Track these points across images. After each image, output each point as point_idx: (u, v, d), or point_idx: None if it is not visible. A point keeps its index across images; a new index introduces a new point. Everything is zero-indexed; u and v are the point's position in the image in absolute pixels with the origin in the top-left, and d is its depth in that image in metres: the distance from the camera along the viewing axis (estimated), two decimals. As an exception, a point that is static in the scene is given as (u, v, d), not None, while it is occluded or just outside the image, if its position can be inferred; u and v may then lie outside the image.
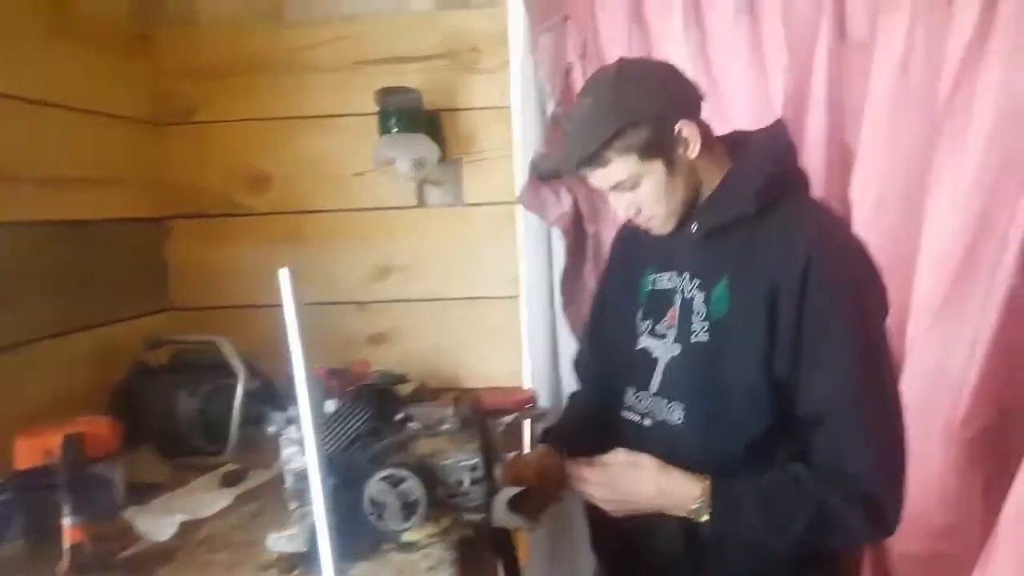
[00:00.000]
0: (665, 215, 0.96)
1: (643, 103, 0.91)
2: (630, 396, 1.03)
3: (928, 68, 1.36)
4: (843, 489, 0.87)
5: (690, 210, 0.96)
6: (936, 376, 1.45)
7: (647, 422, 1.00)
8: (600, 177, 0.94)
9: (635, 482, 0.91)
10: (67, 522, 0.79)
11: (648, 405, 1.00)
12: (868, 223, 1.38)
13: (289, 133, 1.52)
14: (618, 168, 0.92)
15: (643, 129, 0.90)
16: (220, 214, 1.55)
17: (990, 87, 1.36)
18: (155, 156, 1.54)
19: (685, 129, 0.92)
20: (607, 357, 1.12)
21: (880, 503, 0.88)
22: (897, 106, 1.38)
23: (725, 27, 1.40)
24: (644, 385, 1.01)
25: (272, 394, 1.31)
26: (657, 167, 0.92)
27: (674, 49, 1.41)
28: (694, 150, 0.92)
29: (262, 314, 1.50)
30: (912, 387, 1.41)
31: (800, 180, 1.01)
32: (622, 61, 0.95)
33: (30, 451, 0.88)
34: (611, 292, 1.14)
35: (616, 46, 1.43)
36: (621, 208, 0.97)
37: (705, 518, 0.89)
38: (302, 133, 1.52)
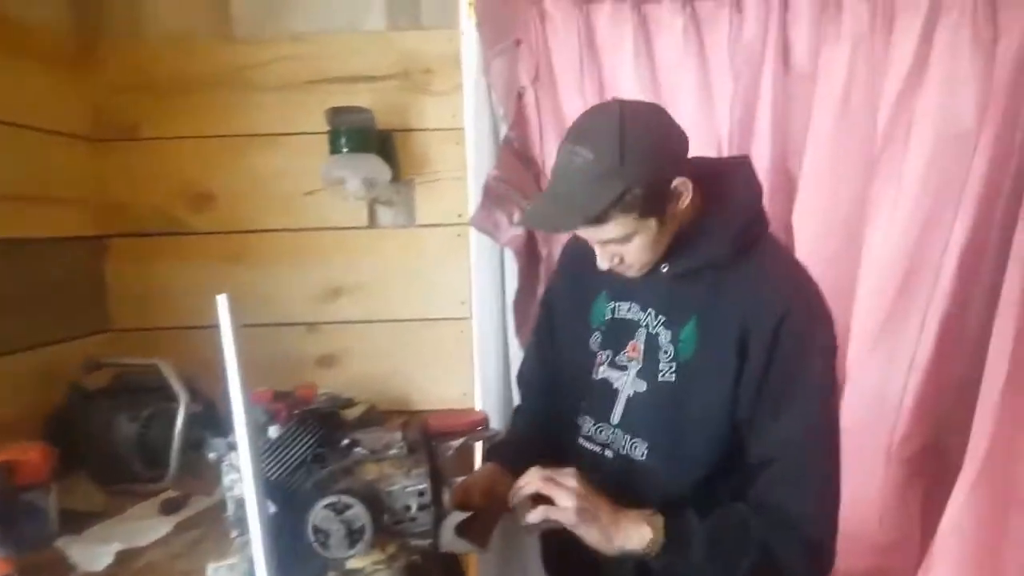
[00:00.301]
0: (645, 265, 0.96)
1: (647, 167, 0.88)
2: (588, 425, 1.03)
3: (868, 98, 1.42)
4: (788, 534, 0.90)
5: (666, 253, 0.96)
6: (875, 398, 1.50)
7: (607, 453, 1.00)
8: (594, 232, 0.93)
9: (599, 502, 0.90)
10: None
11: (609, 437, 1.00)
12: (810, 249, 1.42)
13: (236, 151, 1.49)
14: (616, 227, 0.91)
15: (643, 190, 0.88)
16: (161, 233, 1.51)
17: (927, 115, 1.43)
18: (96, 173, 1.49)
19: (680, 185, 0.91)
20: (557, 375, 1.11)
21: (821, 547, 0.92)
22: (838, 135, 1.44)
23: (674, 55, 1.44)
24: (604, 416, 1.00)
25: (214, 417, 1.28)
26: (651, 225, 0.92)
27: (624, 75, 1.45)
28: (685, 201, 0.92)
29: (205, 335, 1.47)
30: (852, 408, 1.45)
31: (766, 219, 1.02)
32: (622, 110, 0.90)
33: None
34: (560, 307, 1.13)
35: (568, 72, 1.46)
36: (604, 259, 0.96)
37: (654, 554, 0.89)
38: (249, 151, 1.50)
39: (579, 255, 1.11)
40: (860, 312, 1.50)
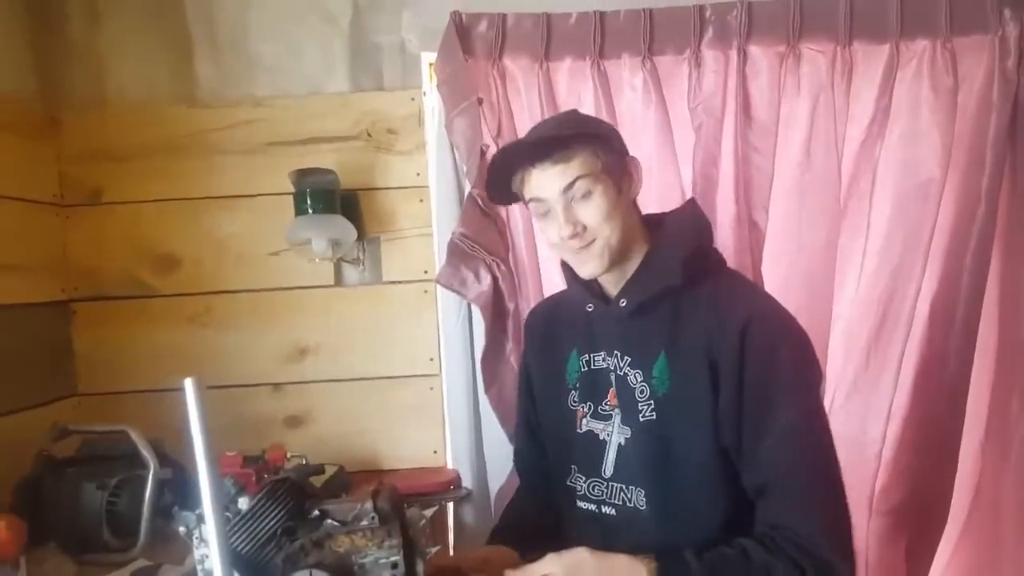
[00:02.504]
0: (603, 245, 0.97)
1: (608, 129, 1.04)
2: (581, 484, 1.04)
3: (831, 149, 1.48)
4: (792, 558, 0.88)
5: (617, 263, 1.00)
6: (854, 449, 1.54)
7: (607, 510, 1.01)
8: (558, 173, 0.95)
9: None
10: None
11: (604, 492, 1.01)
12: (780, 300, 1.47)
13: (199, 214, 1.57)
14: (581, 164, 0.95)
15: (608, 147, 0.98)
16: (127, 296, 1.59)
17: (891, 164, 1.49)
18: (61, 238, 1.57)
19: (632, 164, 1.02)
20: (546, 443, 1.13)
21: (829, 567, 0.89)
22: (803, 186, 1.50)
23: (634, 109, 1.51)
24: (595, 471, 1.02)
25: (184, 481, 1.33)
26: (610, 187, 0.97)
27: (587, 130, 1.52)
28: (636, 189, 1.02)
29: (172, 398, 1.53)
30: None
31: (719, 258, 1.08)
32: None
33: None
34: (536, 375, 1.16)
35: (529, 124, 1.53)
36: (566, 222, 0.96)
37: None
38: (213, 213, 1.57)
39: (544, 319, 1.17)
40: (834, 363, 1.55)
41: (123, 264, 1.58)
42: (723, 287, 1.00)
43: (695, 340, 0.95)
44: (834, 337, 1.54)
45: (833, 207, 1.50)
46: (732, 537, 0.93)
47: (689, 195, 1.50)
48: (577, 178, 0.96)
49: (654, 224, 1.05)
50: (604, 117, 1.50)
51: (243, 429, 1.50)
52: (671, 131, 1.50)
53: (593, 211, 0.97)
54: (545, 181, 0.97)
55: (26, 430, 1.39)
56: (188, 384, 0.63)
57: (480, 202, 1.51)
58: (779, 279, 1.50)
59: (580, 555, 0.89)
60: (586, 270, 1.01)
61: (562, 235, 0.97)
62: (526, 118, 1.51)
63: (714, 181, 1.50)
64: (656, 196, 1.44)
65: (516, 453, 1.26)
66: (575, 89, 1.51)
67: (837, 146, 1.48)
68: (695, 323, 0.97)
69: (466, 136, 1.49)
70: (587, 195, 0.96)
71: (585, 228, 0.97)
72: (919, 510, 1.55)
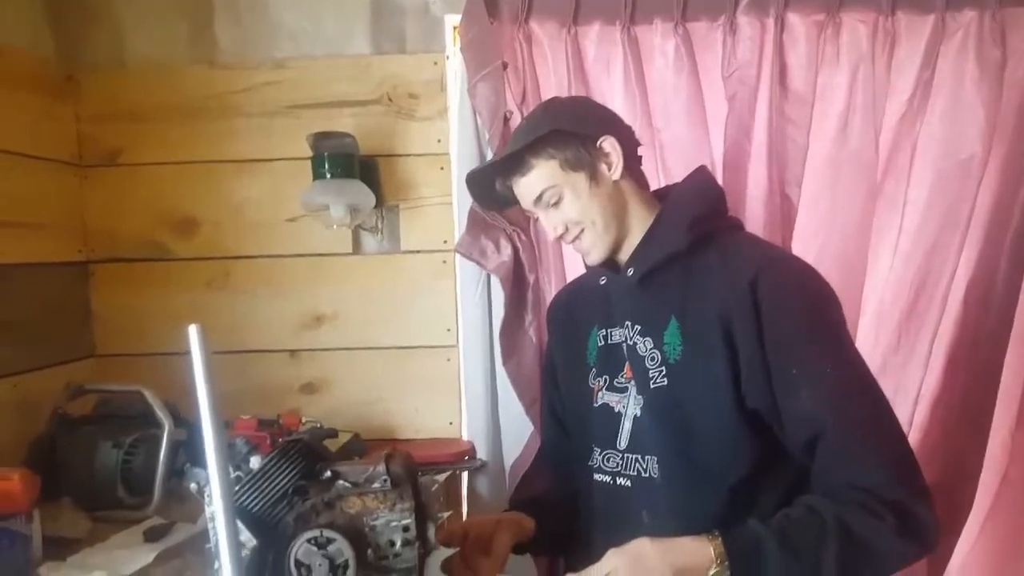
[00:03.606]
0: (593, 233, 1.01)
1: (565, 116, 1.03)
2: (596, 457, 1.05)
3: (869, 123, 1.45)
4: (864, 506, 0.85)
5: (620, 242, 1.03)
6: (879, 433, 1.53)
7: (622, 482, 1.01)
8: (523, 187, 1.02)
9: None
10: None
11: (617, 464, 1.02)
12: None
13: (218, 177, 1.58)
14: (539, 176, 1.00)
15: (567, 140, 0.99)
16: (144, 258, 1.61)
17: (931, 140, 1.46)
18: (80, 199, 1.59)
19: (607, 144, 1.00)
20: (570, 431, 1.14)
21: (908, 511, 0.85)
22: (838, 161, 1.48)
23: (665, 77, 1.49)
24: (610, 443, 1.03)
25: (199, 443, 1.35)
26: (580, 179, 1.00)
27: (614, 98, 1.50)
28: (616, 169, 1.01)
29: (189, 360, 1.57)
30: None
31: (733, 220, 1.08)
32: (554, 96, 1.11)
33: None
34: (559, 360, 1.18)
35: (556, 95, 1.51)
36: (550, 227, 1.03)
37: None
38: (231, 177, 1.58)
39: (565, 302, 1.20)
40: (863, 343, 1.53)
41: (141, 226, 1.60)
42: (732, 248, 1.00)
43: (707, 304, 0.95)
44: (864, 318, 1.52)
45: (869, 184, 1.48)
46: (748, 501, 0.92)
47: (720, 167, 1.48)
48: (542, 192, 1.01)
49: (662, 196, 1.08)
50: (633, 85, 1.48)
51: (259, 395, 1.53)
52: (703, 101, 1.48)
53: (569, 212, 1.01)
54: (519, 193, 1.05)
55: (44, 389, 1.42)
56: (192, 331, 0.65)
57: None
58: (810, 257, 1.47)
59: (641, 545, 0.87)
60: (589, 259, 1.06)
61: (551, 237, 1.05)
62: (552, 84, 1.50)
63: (746, 153, 1.48)
64: (685, 168, 1.41)
65: (543, 443, 1.28)
66: (604, 55, 1.49)
67: (875, 120, 1.45)
68: (706, 287, 0.96)
69: (489, 102, 1.47)
70: (558, 202, 1.01)
71: (568, 228, 1.02)
72: (945, 494, 1.54)
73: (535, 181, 1.01)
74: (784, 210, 1.50)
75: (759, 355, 0.91)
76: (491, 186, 1.08)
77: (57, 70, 1.56)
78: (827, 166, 1.49)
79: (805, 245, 1.50)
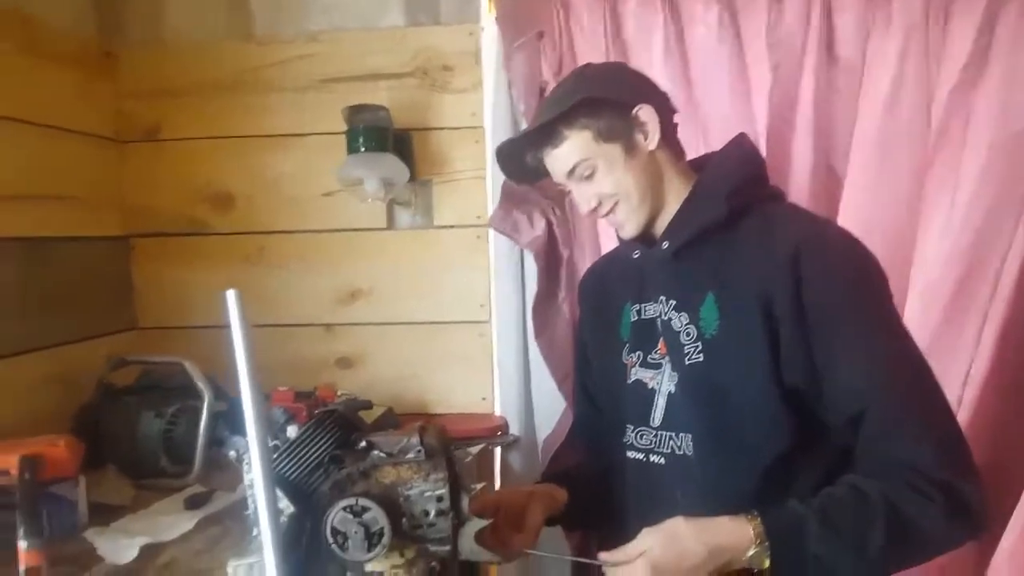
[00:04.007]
0: (628, 206, 0.98)
1: (598, 84, 0.98)
2: (629, 434, 1.03)
3: (921, 93, 1.40)
4: (911, 485, 0.82)
5: (655, 215, 1.00)
6: (926, 414, 1.50)
7: (655, 459, 1.00)
8: (555, 160, 0.98)
9: (681, 558, 0.84)
10: (22, 545, 0.86)
11: (651, 441, 1.01)
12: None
13: (253, 152, 1.60)
14: (572, 148, 0.96)
15: (600, 109, 0.95)
16: (182, 233, 1.64)
17: (986, 111, 1.40)
18: (120, 174, 1.63)
19: (643, 113, 0.96)
20: (602, 409, 1.13)
21: (957, 491, 0.82)
22: (887, 133, 1.43)
23: (707, 46, 1.46)
24: (644, 420, 1.01)
25: (238, 415, 1.39)
26: (614, 151, 0.96)
27: (654, 69, 1.47)
28: (653, 139, 0.97)
29: (227, 333, 1.60)
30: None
31: (774, 190, 1.04)
32: (587, 63, 1.05)
33: None
34: (591, 337, 1.16)
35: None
36: (583, 201, 1.00)
37: (765, 564, 0.83)
38: (266, 152, 1.60)
39: (598, 277, 1.18)
40: (910, 321, 1.49)
41: (179, 201, 1.63)
42: (773, 219, 0.96)
43: (745, 278, 0.92)
44: (912, 295, 1.48)
45: (919, 156, 1.43)
46: (786, 480, 0.90)
47: (764, 139, 1.45)
48: (575, 165, 0.97)
49: (699, 165, 1.04)
50: (674, 55, 1.45)
51: (295, 368, 1.55)
52: (746, 71, 1.45)
53: (602, 185, 0.98)
54: (551, 166, 1.01)
55: (87, 360, 1.47)
56: (230, 295, 0.65)
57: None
58: (857, 232, 1.44)
59: (675, 524, 0.86)
60: (623, 233, 1.03)
61: (583, 211, 1.01)
62: (589, 55, 1.47)
63: (791, 125, 1.44)
64: (728, 138, 1.39)
65: (575, 419, 1.27)
66: (644, 25, 1.46)
67: (928, 89, 1.40)
68: (744, 260, 0.93)
69: (524, 73, 1.46)
70: (591, 175, 0.97)
71: (601, 202, 0.98)
72: (994, 476, 1.49)
73: (568, 153, 0.97)
74: (829, 184, 1.46)
75: (800, 332, 0.88)
76: (522, 159, 1.05)
77: (96, 46, 1.59)
78: (875, 138, 1.44)
79: (851, 220, 1.45)
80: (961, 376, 1.49)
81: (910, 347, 0.90)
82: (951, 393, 1.48)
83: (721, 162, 1.02)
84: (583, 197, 1.00)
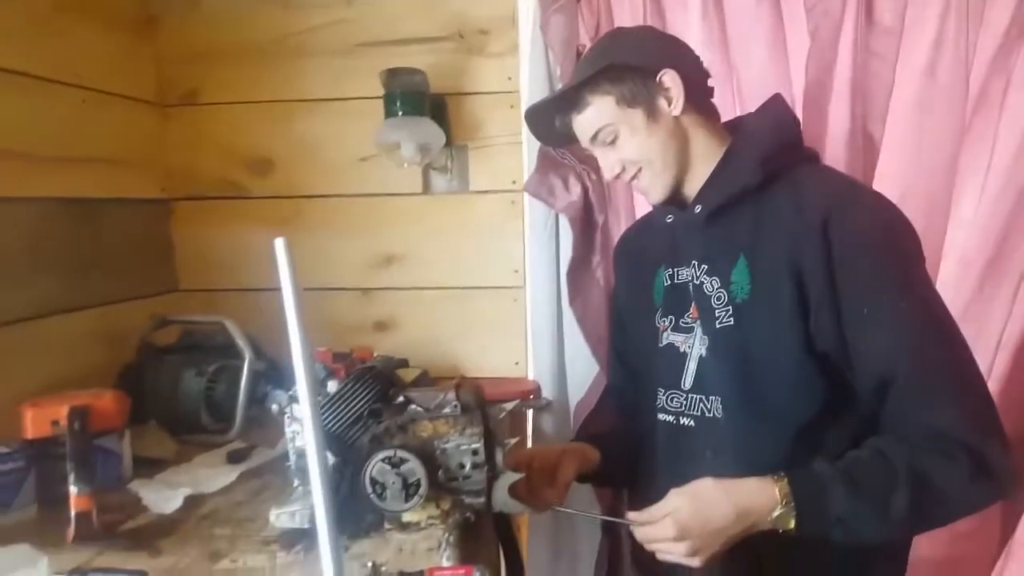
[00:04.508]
0: (651, 172, 0.99)
1: (626, 51, 0.99)
2: (661, 397, 1.05)
3: (959, 58, 1.40)
4: (936, 448, 0.83)
5: (681, 180, 1.01)
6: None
7: (686, 422, 1.02)
8: (579, 125, 1.01)
9: (709, 517, 0.86)
10: (73, 491, 0.91)
11: (682, 404, 1.03)
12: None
13: (291, 116, 1.63)
14: (596, 113, 0.98)
15: (624, 75, 0.96)
16: (221, 196, 1.67)
17: (1024, 81, 1.40)
18: (160, 137, 1.66)
19: (667, 79, 0.97)
20: (635, 372, 1.14)
21: (982, 454, 0.83)
22: (925, 98, 1.44)
23: (745, 10, 1.46)
24: (675, 383, 1.03)
25: (276, 375, 1.43)
26: (637, 116, 0.97)
27: (691, 31, 1.48)
28: (678, 104, 0.97)
29: (265, 296, 1.64)
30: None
31: (808, 153, 1.04)
32: (618, 27, 1.06)
33: (37, 421, 0.98)
34: (625, 302, 1.18)
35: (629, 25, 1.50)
36: (606, 167, 1.02)
37: (791, 524, 0.85)
38: (304, 117, 1.63)
39: (632, 241, 1.20)
40: (944, 287, 1.50)
41: (218, 165, 1.67)
42: (805, 183, 0.96)
43: (777, 242, 0.93)
44: (946, 261, 1.49)
45: (958, 122, 1.43)
46: (814, 443, 0.91)
47: (801, 103, 1.45)
48: (598, 130, 0.99)
49: (734, 127, 1.04)
50: (712, 18, 1.46)
51: (332, 331, 1.58)
52: (784, 34, 1.45)
53: (625, 150, 0.99)
54: (576, 131, 1.03)
55: (130, 320, 1.51)
56: (279, 244, 0.67)
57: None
58: (894, 198, 1.44)
59: (703, 485, 0.88)
60: (649, 199, 1.04)
61: (607, 177, 1.03)
62: (627, 17, 1.48)
63: (828, 89, 1.44)
64: (763, 102, 1.40)
65: (609, 383, 1.29)
66: (681, -13, 1.47)
67: (967, 55, 1.40)
68: (776, 225, 0.94)
69: (562, 36, 1.47)
70: (614, 140, 0.99)
71: (624, 167, 1.00)
72: (1021, 444, 1.52)
73: (590, 118, 0.99)
74: (866, 149, 1.47)
75: (830, 296, 0.89)
76: (551, 123, 1.06)
77: (139, 10, 1.62)
78: (913, 103, 1.44)
79: (887, 185, 1.46)
80: (994, 343, 1.49)
81: (939, 312, 0.90)
82: (984, 359, 1.50)
83: (756, 125, 1.03)
84: (607, 163, 1.02)
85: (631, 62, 0.97)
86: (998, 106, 1.42)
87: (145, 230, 1.64)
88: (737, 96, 1.48)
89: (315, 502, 0.58)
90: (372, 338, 1.66)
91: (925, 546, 1.41)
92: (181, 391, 1.38)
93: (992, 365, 1.50)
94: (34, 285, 1.31)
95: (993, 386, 1.51)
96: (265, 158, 1.66)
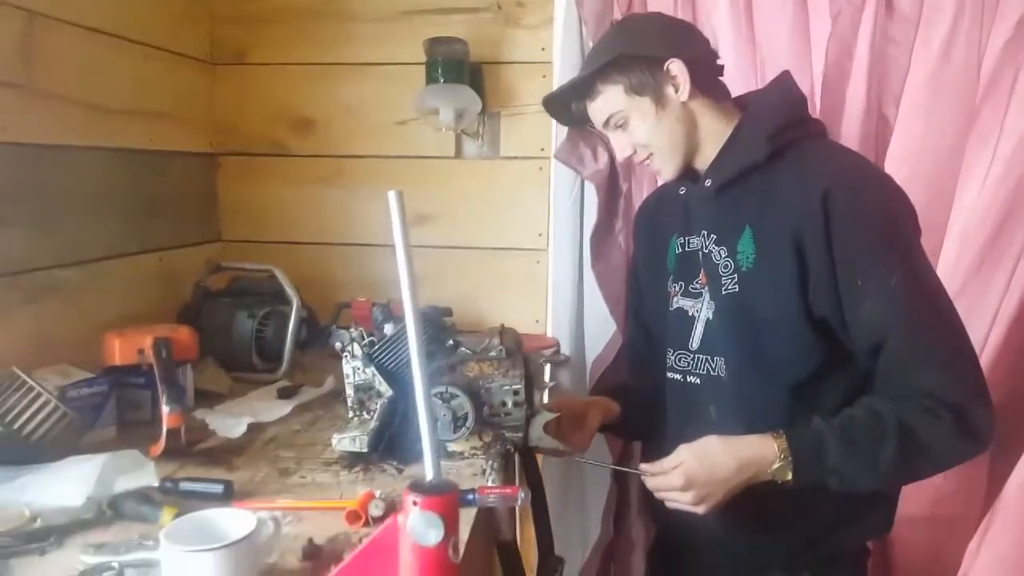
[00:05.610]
0: (661, 156, 1.07)
1: (635, 42, 1.07)
2: (670, 357, 1.14)
3: (973, 46, 1.49)
4: (922, 406, 0.91)
5: (690, 160, 1.08)
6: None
7: (692, 379, 1.10)
8: (591, 111, 1.09)
9: (714, 469, 0.96)
10: (165, 409, 1.03)
11: (689, 363, 1.11)
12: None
13: (333, 79, 1.73)
14: (606, 101, 1.05)
15: (633, 64, 1.03)
16: (265, 153, 1.78)
17: (1035, 69, 1.49)
18: (208, 94, 1.77)
19: (673, 67, 1.04)
20: (649, 328, 1.24)
21: (966, 411, 0.91)
22: (937, 82, 1.53)
23: (771, -8, 1.55)
24: (683, 344, 1.11)
25: (315, 324, 1.56)
26: (645, 104, 1.04)
27: (719, 11, 1.56)
28: (684, 91, 1.04)
29: (302, 250, 1.77)
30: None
31: (814, 128, 1.10)
32: (631, 13, 1.12)
33: (124, 349, 1.11)
34: (642, 269, 1.27)
35: (661, 5, 1.59)
36: (618, 149, 1.10)
37: (788, 476, 0.94)
38: (346, 79, 1.73)
39: (650, 210, 1.29)
40: (945, 263, 1.61)
41: (263, 123, 1.78)
42: (809, 158, 1.03)
43: (781, 214, 1.00)
44: (949, 239, 1.59)
45: (967, 108, 1.52)
46: (811, 399, 1.00)
47: (819, 84, 1.55)
48: (609, 116, 1.07)
49: (744, 104, 1.11)
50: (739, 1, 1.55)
51: (369, 283, 1.70)
52: (807, 18, 1.54)
53: (635, 135, 1.07)
54: (590, 115, 1.10)
55: (180, 265, 1.64)
56: (392, 195, 0.74)
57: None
58: (900, 179, 1.52)
59: (709, 441, 0.98)
60: (661, 177, 1.13)
61: (619, 158, 1.12)
62: (659, -5, 1.57)
63: (846, 72, 1.53)
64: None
65: (626, 344, 1.39)
66: (712, -32, 1.55)
67: (980, 43, 1.49)
68: (781, 198, 1.01)
69: (596, 9, 1.56)
70: (624, 124, 1.07)
71: (635, 150, 1.08)
72: (1013, 413, 1.64)
73: (601, 106, 1.07)
74: (880, 129, 1.56)
75: (828, 267, 0.96)
76: (568, 107, 1.14)
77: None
78: (926, 88, 1.53)
79: (898, 164, 1.56)
80: (990, 317, 1.60)
81: (930, 282, 0.98)
82: (979, 332, 1.61)
83: (764, 102, 1.09)
84: (619, 145, 1.10)
85: (639, 52, 1.05)
86: (1006, 96, 1.51)
87: (193, 182, 1.76)
88: (760, 79, 1.57)
89: (420, 420, 0.67)
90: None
91: (913, 505, 1.52)
92: (234, 332, 1.49)
93: (987, 337, 1.60)
94: (105, 228, 1.43)
95: (986, 357, 1.61)
96: (307, 118, 1.76)
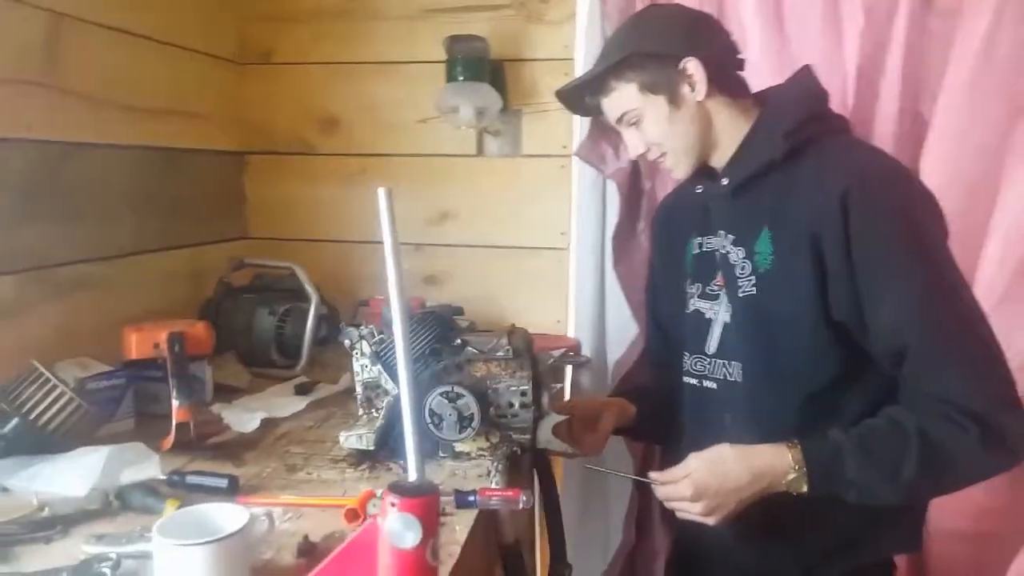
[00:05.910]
0: (674, 155, 1.05)
1: (651, 38, 1.04)
2: (686, 361, 1.12)
3: (1015, 43, 1.42)
4: (946, 416, 0.87)
5: (704, 160, 1.06)
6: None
7: (708, 384, 1.09)
8: (606, 108, 1.07)
9: (725, 479, 0.93)
10: (175, 403, 1.06)
11: (705, 367, 1.09)
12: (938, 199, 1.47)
13: (358, 78, 1.75)
14: (619, 98, 1.03)
15: (647, 62, 1.01)
16: (291, 152, 1.81)
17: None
18: (235, 93, 1.81)
19: (690, 66, 1.01)
20: (667, 329, 1.22)
21: (994, 424, 0.87)
22: (978, 81, 1.45)
23: (801, -16, 1.50)
24: (700, 348, 1.10)
25: (335, 321, 1.58)
26: (659, 103, 1.02)
27: (746, 3, 1.53)
28: (700, 91, 1.01)
29: (326, 248, 1.79)
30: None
31: (837, 123, 1.07)
32: (649, 5, 1.09)
33: (141, 343, 1.14)
34: (660, 269, 1.26)
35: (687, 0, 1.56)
36: (631, 146, 1.08)
37: (804, 488, 0.91)
38: (370, 78, 1.75)
39: (668, 210, 1.27)
40: (985, 271, 1.54)
41: (289, 122, 1.81)
42: (829, 155, 0.99)
43: (800, 215, 0.97)
44: (989, 246, 1.52)
45: (1010, 106, 1.45)
46: (829, 409, 0.97)
47: (853, 79, 1.49)
48: (622, 114, 1.04)
49: (763, 100, 1.08)
50: (767, -5, 1.50)
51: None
52: (839, 11, 1.49)
53: (648, 133, 1.05)
54: (604, 111, 1.09)
55: (205, 262, 1.67)
56: (381, 192, 0.74)
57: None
58: (939, 180, 1.48)
59: (721, 450, 0.96)
60: (674, 176, 1.11)
61: (632, 155, 1.09)
62: (683, -9, 1.54)
63: (881, 68, 1.48)
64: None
65: (646, 345, 1.38)
66: (739, -40, 1.51)
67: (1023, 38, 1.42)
68: (799, 197, 0.98)
69: (618, 6, 1.54)
70: (637, 121, 1.04)
71: (648, 148, 1.06)
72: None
73: (615, 103, 1.05)
74: (915, 129, 1.50)
75: (846, 269, 0.93)
76: (581, 100, 1.12)
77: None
78: (966, 86, 1.46)
79: (934, 166, 1.50)
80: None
81: (954, 284, 0.93)
82: (1019, 342, 1.53)
83: (781, 99, 1.06)
84: (632, 143, 1.08)
85: (654, 50, 1.02)
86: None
87: (220, 180, 1.80)
88: (790, 69, 1.51)
89: (404, 420, 0.66)
90: (423, 290, 1.79)
91: (950, 519, 1.46)
92: (255, 328, 1.52)
93: (1027, 348, 1.54)
94: (131, 225, 1.47)
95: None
96: (332, 117, 1.79)
